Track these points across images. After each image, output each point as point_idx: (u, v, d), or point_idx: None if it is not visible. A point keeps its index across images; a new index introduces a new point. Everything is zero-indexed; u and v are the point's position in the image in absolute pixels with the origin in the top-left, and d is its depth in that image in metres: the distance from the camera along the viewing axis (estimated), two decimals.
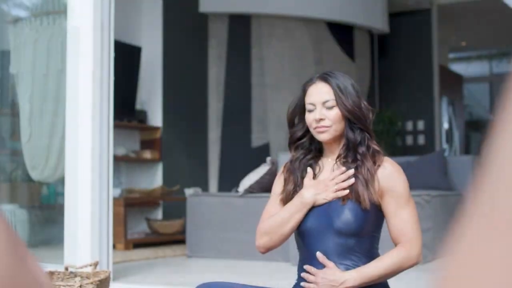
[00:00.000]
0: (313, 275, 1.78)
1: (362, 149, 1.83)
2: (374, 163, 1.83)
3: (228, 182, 6.50)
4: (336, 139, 1.87)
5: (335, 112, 1.83)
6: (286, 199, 1.89)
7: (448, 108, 9.66)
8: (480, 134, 11.99)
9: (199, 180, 6.67)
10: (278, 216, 1.86)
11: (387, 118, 7.73)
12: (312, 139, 1.91)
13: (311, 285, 1.77)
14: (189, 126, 6.70)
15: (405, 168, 6.00)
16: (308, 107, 1.87)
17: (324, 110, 1.83)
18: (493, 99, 11.78)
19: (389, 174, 1.82)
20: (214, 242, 4.66)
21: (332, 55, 7.49)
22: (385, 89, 8.35)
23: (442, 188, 5.18)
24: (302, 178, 1.89)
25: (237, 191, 4.85)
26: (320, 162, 1.92)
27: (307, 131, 1.91)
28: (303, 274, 1.81)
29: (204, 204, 4.76)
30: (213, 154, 6.88)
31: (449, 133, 9.66)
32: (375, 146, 1.86)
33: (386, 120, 7.72)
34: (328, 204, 1.80)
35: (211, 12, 6.91)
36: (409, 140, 8.25)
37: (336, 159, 1.87)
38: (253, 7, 6.96)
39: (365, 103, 1.88)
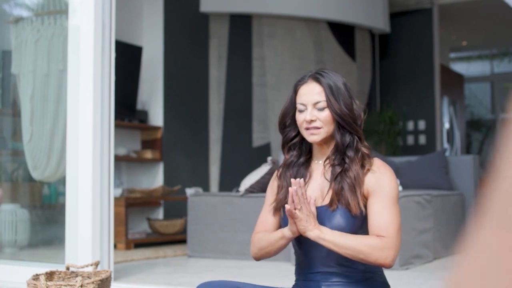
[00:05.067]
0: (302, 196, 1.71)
1: (350, 153, 1.80)
2: (363, 166, 1.80)
3: (229, 182, 6.51)
4: (327, 140, 1.84)
5: (326, 114, 1.80)
6: (277, 207, 1.88)
7: (449, 107, 9.66)
8: (481, 134, 11.98)
9: (200, 180, 6.68)
10: (266, 240, 1.84)
11: (388, 118, 7.73)
12: (304, 138, 1.88)
13: (291, 208, 1.70)
14: (190, 126, 6.70)
15: (406, 167, 5.97)
16: (299, 107, 1.84)
17: (315, 111, 1.80)
18: (494, 99, 11.77)
19: (378, 177, 1.79)
20: (215, 242, 4.66)
21: (333, 55, 7.49)
22: (386, 89, 8.35)
23: (443, 187, 5.18)
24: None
25: (238, 191, 4.85)
26: (310, 167, 1.89)
27: (299, 131, 1.88)
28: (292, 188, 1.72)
29: (205, 204, 4.76)
30: (214, 154, 6.89)
31: (450, 132, 9.66)
32: (364, 149, 1.82)
33: (387, 120, 7.73)
34: (318, 212, 1.77)
35: (212, 12, 6.91)
36: (410, 140, 8.25)
37: (325, 161, 1.85)
38: (254, 7, 6.96)
39: (357, 102, 1.86)
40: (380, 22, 7.80)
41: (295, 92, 1.86)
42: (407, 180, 5.15)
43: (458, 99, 10.08)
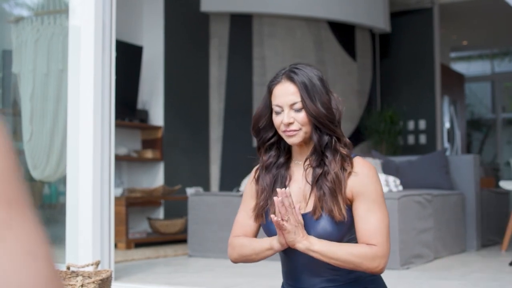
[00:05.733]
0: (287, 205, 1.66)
1: (329, 154, 1.74)
2: (344, 168, 1.73)
3: (229, 182, 6.51)
4: (307, 140, 1.78)
5: (304, 115, 1.72)
6: (259, 215, 1.82)
7: (449, 107, 9.66)
8: (481, 134, 11.98)
9: (200, 179, 6.67)
10: (250, 248, 1.79)
11: (388, 117, 7.73)
12: (282, 137, 1.81)
13: (279, 220, 1.65)
14: (191, 125, 6.70)
15: (407, 167, 5.95)
16: (275, 109, 1.75)
17: (292, 112, 1.73)
18: (495, 98, 11.77)
19: (361, 180, 1.72)
20: (215, 242, 4.66)
21: (333, 55, 7.49)
22: (387, 89, 8.35)
23: (443, 187, 5.18)
24: (273, 190, 1.79)
25: (238, 191, 4.85)
26: (290, 168, 1.83)
27: (276, 131, 1.81)
28: (276, 199, 1.66)
29: (205, 204, 4.76)
30: (215, 153, 6.88)
31: (451, 132, 9.66)
32: (343, 150, 1.74)
33: (388, 120, 7.72)
34: (303, 219, 1.72)
35: (212, 12, 6.91)
36: (411, 139, 8.25)
37: (305, 162, 1.78)
38: (254, 7, 6.96)
39: (335, 95, 1.79)
40: (381, 22, 7.80)
41: (270, 92, 1.78)
42: (407, 179, 5.15)
43: (458, 99, 10.08)
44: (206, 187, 6.71)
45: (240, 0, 6.95)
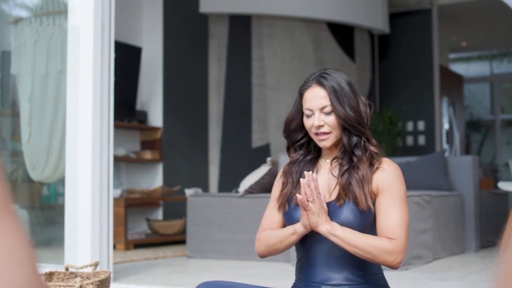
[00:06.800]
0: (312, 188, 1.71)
1: (358, 152, 1.82)
2: (372, 165, 1.81)
3: (229, 183, 6.51)
4: (336, 142, 1.86)
5: (333, 118, 1.81)
6: (283, 203, 1.88)
7: (448, 108, 9.66)
8: (480, 135, 11.99)
9: (199, 180, 6.67)
10: (276, 236, 1.84)
11: (387, 118, 7.73)
12: (311, 138, 1.89)
13: (305, 200, 1.71)
14: (190, 126, 6.70)
15: (406, 168, 5.98)
16: (306, 112, 1.84)
17: (322, 115, 1.81)
18: (494, 100, 11.78)
19: (387, 175, 1.80)
20: (214, 243, 4.66)
21: (332, 56, 7.49)
22: (386, 90, 8.35)
23: (442, 188, 5.17)
24: (299, 180, 1.85)
25: (237, 192, 4.85)
26: (317, 164, 1.91)
27: (306, 132, 1.89)
28: (304, 180, 1.72)
29: (204, 205, 4.76)
30: (214, 154, 6.88)
31: (450, 133, 9.66)
32: (373, 149, 1.83)
33: (387, 121, 7.72)
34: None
35: (211, 13, 6.91)
36: (410, 140, 8.25)
37: (332, 160, 1.86)
38: (253, 8, 6.96)
39: (363, 98, 1.86)
40: (380, 23, 7.80)
41: (301, 96, 1.87)
42: (406, 180, 5.10)
43: (457, 100, 10.08)
44: (205, 188, 6.71)
45: (239, 1, 6.95)
